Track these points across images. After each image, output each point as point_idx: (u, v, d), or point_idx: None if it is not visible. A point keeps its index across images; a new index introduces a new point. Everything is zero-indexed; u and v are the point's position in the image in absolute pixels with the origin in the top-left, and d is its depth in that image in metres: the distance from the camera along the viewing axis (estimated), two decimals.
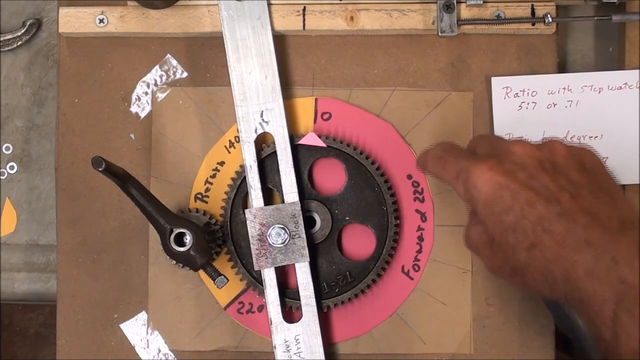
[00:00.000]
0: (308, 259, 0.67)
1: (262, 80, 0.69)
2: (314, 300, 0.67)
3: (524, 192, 0.50)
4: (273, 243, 0.67)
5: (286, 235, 0.67)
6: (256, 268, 0.67)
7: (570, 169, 0.52)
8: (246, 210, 0.67)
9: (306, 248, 0.67)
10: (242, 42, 0.69)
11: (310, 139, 0.70)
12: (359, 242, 0.71)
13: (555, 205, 0.49)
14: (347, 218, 0.70)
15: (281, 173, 0.68)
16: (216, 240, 0.69)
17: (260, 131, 0.68)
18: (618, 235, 0.48)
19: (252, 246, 0.67)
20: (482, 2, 0.69)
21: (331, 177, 0.71)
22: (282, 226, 0.67)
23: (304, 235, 0.67)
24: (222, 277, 0.65)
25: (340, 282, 0.70)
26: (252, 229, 0.67)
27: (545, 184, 0.50)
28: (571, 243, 0.48)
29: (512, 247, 0.51)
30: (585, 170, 0.52)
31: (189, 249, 0.64)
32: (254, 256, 0.67)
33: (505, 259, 0.52)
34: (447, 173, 0.56)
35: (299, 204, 0.67)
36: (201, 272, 0.70)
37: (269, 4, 0.70)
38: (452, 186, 0.55)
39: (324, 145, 0.70)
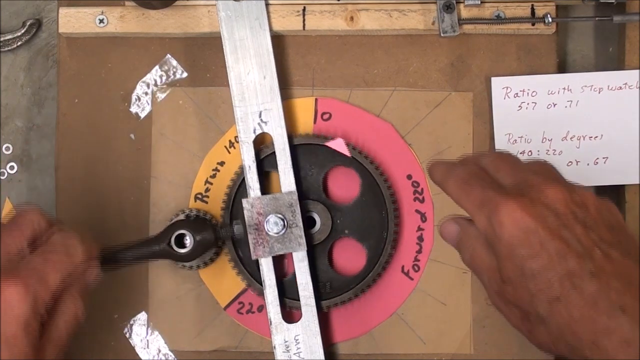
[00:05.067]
0: (305, 248, 0.67)
1: (260, 80, 0.69)
2: (313, 300, 0.67)
3: (555, 242, 0.47)
4: (270, 232, 0.67)
5: (283, 225, 0.67)
6: (253, 257, 0.67)
7: (601, 225, 0.48)
8: (243, 200, 0.67)
9: (303, 237, 0.67)
10: (241, 42, 0.69)
11: (337, 145, 0.69)
12: (349, 256, 0.71)
13: (588, 261, 0.46)
14: (346, 231, 0.70)
15: (280, 174, 0.68)
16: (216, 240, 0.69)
17: (259, 131, 0.68)
18: None
19: (249, 235, 0.67)
20: (479, 3, 0.69)
21: (344, 187, 0.71)
22: (279, 215, 0.67)
23: (301, 225, 0.67)
24: (237, 224, 0.65)
25: (326, 289, 0.69)
26: (250, 218, 0.67)
27: (577, 237, 0.47)
28: (604, 306, 0.45)
29: (530, 295, 0.47)
30: (614, 229, 0.49)
31: (189, 250, 0.64)
32: (251, 245, 0.67)
33: (517, 301, 0.49)
34: (470, 200, 0.52)
35: (296, 193, 0.67)
36: (201, 272, 0.70)
37: (268, 4, 0.70)
38: (472, 214, 0.52)
39: (348, 154, 0.69)
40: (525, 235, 0.47)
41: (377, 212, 0.70)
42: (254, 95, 0.68)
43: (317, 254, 0.70)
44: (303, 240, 0.67)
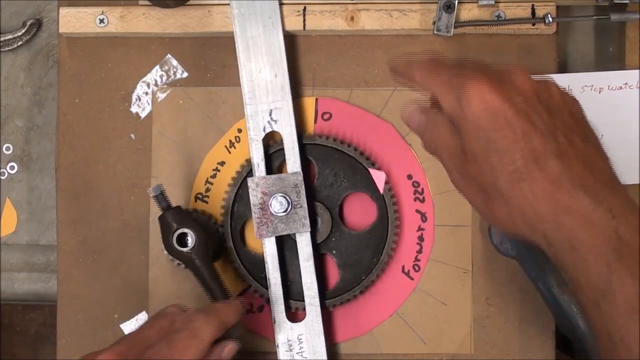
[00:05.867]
0: (309, 229, 0.67)
1: (271, 79, 0.68)
2: (317, 300, 0.67)
3: (521, 121, 0.48)
4: (274, 212, 0.67)
5: (288, 205, 0.67)
6: (257, 237, 0.67)
7: (564, 112, 0.50)
8: (249, 179, 0.67)
9: (307, 218, 0.67)
10: (253, 40, 0.69)
11: (378, 176, 0.69)
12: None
13: (552, 143, 0.48)
14: (333, 252, 0.70)
15: (289, 172, 0.68)
16: (217, 240, 0.69)
17: (268, 130, 0.68)
18: (610, 189, 0.47)
19: (253, 215, 0.67)
20: (494, 2, 0.69)
21: (359, 214, 0.71)
22: (284, 195, 0.67)
23: (305, 205, 0.67)
24: (157, 185, 0.64)
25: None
26: (254, 198, 0.67)
27: (542, 119, 0.49)
28: (566, 186, 0.47)
29: (492, 169, 0.48)
30: (575, 117, 0.51)
31: (191, 249, 0.64)
32: (254, 225, 0.67)
33: (478, 177, 0.50)
34: (438, 81, 0.52)
35: (302, 174, 0.67)
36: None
37: (281, 4, 0.70)
38: (439, 94, 0.52)
39: (381, 192, 0.69)
40: (492, 113, 0.48)
41: (370, 257, 0.70)
42: (265, 94, 0.68)
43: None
44: (307, 222, 0.67)
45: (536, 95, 0.50)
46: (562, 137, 0.48)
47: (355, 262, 0.70)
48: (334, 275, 0.71)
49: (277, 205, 0.66)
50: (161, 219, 0.64)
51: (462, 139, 0.50)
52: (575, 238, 0.46)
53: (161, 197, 0.63)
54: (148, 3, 0.70)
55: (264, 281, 0.69)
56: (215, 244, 0.69)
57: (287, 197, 0.66)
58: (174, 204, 0.71)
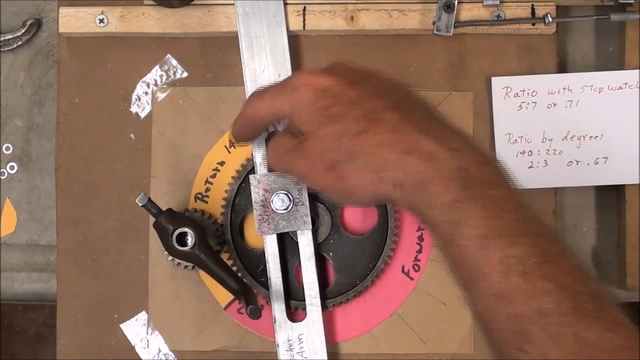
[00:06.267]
0: (310, 227, 0.67)
1: (275, 78, 0.68)
2: (319, 300, 0.67)
3: (353, 91, 0.51)
4: (276, 209, 0.67)
5: (289, 202, 0.67)
6: (258, 234, 0.67)
7: (393, 87, 0.53)
8: (251, 176, 0.67)
9: (309, 216, 0.67)
10: (257, 39, 0.69)
11: None
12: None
13: (387, 100, 0.50)
14: (330, 254, 0.70)
15: None
16: (217, 239, 0.69)
17: (271, 129, 0.68)
18: (450, 132, 0.50)
19: (255, 212, 0.67)
20: (499, 2, 0.69)
21: (360, 220, 0.71)
22: (285, 193, 0.67)
23: (307, 203, 0.67)
24: (143, 195, 0.63)
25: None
26: (256, 195, 0.67)
27: (374, 86, 0.52)
28: (406, 130, 0.49)
29: (335, 137, 0.50)
30: (405, 90, 0.54)
31: (193, 246, 0.64)
32: (256, 222, 0.67)
33: (321, 155, 0.52)
34: (268, 96, 0.54)
35: None
36: (201, 272, 0.70)
37: (286, 4, 0.69)
38: (272, 105, 0.54)
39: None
40: (322, 91, 0.51)
41: (365, 263, 0.70)
42: None
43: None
44: (308, 219, 0.67)
45: (365, 74, 0.53)
46: (395, 96, 0.51)
47: (351, 266, 0.70)
48: (328, 278, 0.71)
49: (279, 202, 0.66)
50: (156, 224, 0.64)
51: (302, 131, 0.52)
52: (423, 176, 0.48)
53: (150, 204, 0.63)
54: (152, 3, 0.70)
55: (258, 276, 0.69)
56: (214, 239, 0.69)
57: (289, 195, 0.66)
58: (173, 203, 0.71)
